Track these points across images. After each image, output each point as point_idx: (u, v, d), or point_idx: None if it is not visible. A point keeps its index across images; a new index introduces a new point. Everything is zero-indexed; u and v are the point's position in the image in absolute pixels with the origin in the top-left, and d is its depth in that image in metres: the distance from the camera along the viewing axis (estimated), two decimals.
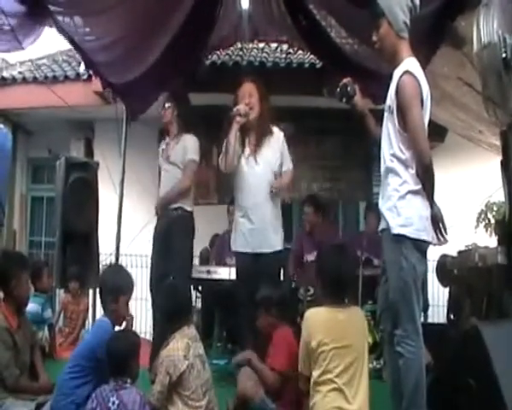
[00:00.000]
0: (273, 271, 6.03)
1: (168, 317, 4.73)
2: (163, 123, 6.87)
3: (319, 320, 4.16)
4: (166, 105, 6.76)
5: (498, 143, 6.45)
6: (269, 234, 5.91)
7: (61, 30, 6.13)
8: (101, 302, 4.75)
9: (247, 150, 6.03)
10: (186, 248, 6.56)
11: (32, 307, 6.29)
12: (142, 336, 7.92)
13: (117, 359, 4.24)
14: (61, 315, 8.62)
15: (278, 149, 6.06)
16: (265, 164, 5.97)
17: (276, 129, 6.16)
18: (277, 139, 6.11)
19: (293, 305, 8.08)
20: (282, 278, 7.02)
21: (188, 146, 6.61)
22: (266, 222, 5.89)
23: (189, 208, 6.59)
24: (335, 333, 4.08)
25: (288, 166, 6.13)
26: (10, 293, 5.16)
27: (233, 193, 6.23)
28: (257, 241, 5.89)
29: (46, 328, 7.71)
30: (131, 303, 8.29)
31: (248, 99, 5.98)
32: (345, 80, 4.65)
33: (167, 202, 6.54)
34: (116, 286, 4.70)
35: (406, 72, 4.10)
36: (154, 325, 6.68)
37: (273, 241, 5.93)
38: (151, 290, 6.64)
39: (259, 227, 5.88)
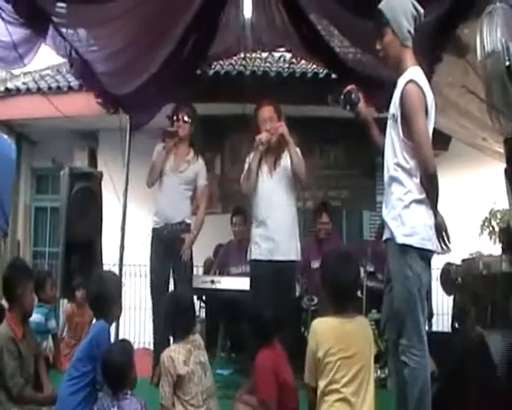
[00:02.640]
0: (287, 280, 6.24)
1: (172, 326, 4.73)
2: (173, 132, 6.92)
3: (327, 330, 4.14)
4: (185, 118, 6.95)
5: (502, 150, 6.44)
6: (283, 242, 6.16)
7: (61, 43, 6.18)
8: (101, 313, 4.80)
9: (265, 167, 6.35)
10: (191, 260, 6.96)
11: (35, 317, 6.29)
12: (146, 346, 7.94)
13: (114, 373, 4.28)
14: (66, 326, 8.59)
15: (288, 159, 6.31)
16: (282, 176, 6.31)
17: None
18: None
19: (296, 314, 8.10)
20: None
21: (201, 172, 7.01)
22: (281, 230, 6.17)
23: (189, 221, 6.95)
24: (343, 343, 4.06)
25: None
26: (16, 303, 5.17)
27: (250, 205, 6.56)
28: (270, 248, 6.15)
29: (50, 338, 7.71)
30: (135, 313, 8.31)
31: (269, 125, 6.32)
32: (349, 87, 4.65)
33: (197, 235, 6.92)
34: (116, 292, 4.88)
35: (411, 81, 4.10)
36: (154, 333, 6.86)
37: (287, 249, 6.17)
38: (152, 301, 6.87)
39: (273, 235, 6.16)
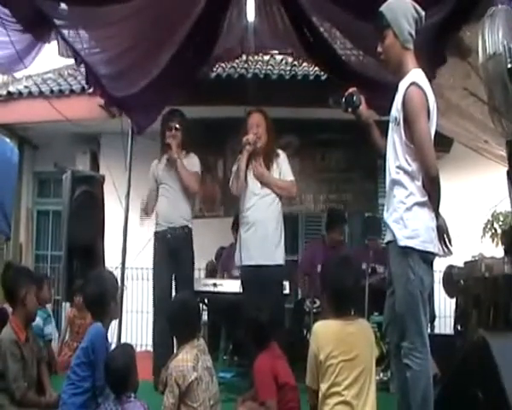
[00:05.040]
0: (274, 282, 6.32)
1: (179, 329, 4.72)
2: (165, 140, 7.01)
3: (328, 333, 4.15)
4: (177, 126, 7.02)
5: (504, 153, 6.43)
6: (270, 248, 6.27)
7: (65, 46, 6.19)
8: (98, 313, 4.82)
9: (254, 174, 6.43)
10: (193, 264, 7.05)
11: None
12: (148, 348, 7.93)
13: (118, 377, 4.29)
14: (68, 329, 8.61)
15: (279, 170, 6.50)
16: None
17: (280, 152, 6.60)
18: (279, 162, 6.54)
19: (298, 317, 8.10)
20: (287, 290, 7.06)
21: (194, 163, 7.07)
22: (268, 237, 6.28)
23: (190, 226, 7.01)
24: (344, 346, 4.06)
25: (287, 178, 6.52)
26: (19, 306, 5.18)
27: (239, 211, 6.56)
28: (259, 254, 6.24)
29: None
30: (137, 316, 8.30)
31: (256, 129, 6.44)
32: (350, 90, 4.63)
33: (180, 167, 6.88)
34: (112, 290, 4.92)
35: (413, 83, 4.08)
36: (154, 336, 6.90)
37: (274, 255, 6.28)
38: (154, 303, 6.91)
39: (262, 242, 6.26)
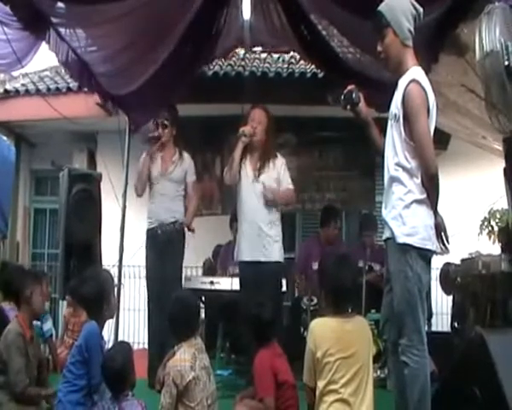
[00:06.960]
0: (272, 279, 6.29)
1: (178, 327, 4.70)
2: (156, 137, 7.14)
3: (325, 331, 4.15)
4: (165, 123, 7.13)
5: (501, 149, 6.44)
6: (267, 245, 6.26)
7: (59, 44, 6.20)
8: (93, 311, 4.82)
9: (250, 170, 6.42)
10: (183, 259, 7.11)
11: None
12: (146, 346, 7.94)
13: (116, 376, 4.27)
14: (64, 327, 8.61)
15: (277, 173, 6.44)
16: (266, 180, 6.35)
17: (279, 156, 6.54)
18: (278, 165, 6.48)
19: (296, 314, 8.09)
20: (284, 288, 7.06)
21: (189, 169, 7.21)
22: (265, 234, 6.27)
23: (182, 222, 7.08)
24: (342, 343, 4.07)
25: (287, 186, 6.50)
26: (25, 305, 5.19)
27: (236, 208, 6.61)
28: (256, 250, 6.25)
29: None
30: (134, 314, 8.29)
31: (256, 124, 6.40)
32: (349, 87, 4.61)
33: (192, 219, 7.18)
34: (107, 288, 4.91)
35: (413, 80, 4.09)
36: (149, 332, 6.94)
37: (271, 251, 6.27)
38: (149, 300, 6.96)
39: (259, 238, 6.26)
